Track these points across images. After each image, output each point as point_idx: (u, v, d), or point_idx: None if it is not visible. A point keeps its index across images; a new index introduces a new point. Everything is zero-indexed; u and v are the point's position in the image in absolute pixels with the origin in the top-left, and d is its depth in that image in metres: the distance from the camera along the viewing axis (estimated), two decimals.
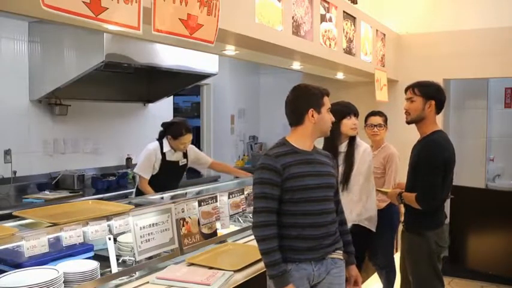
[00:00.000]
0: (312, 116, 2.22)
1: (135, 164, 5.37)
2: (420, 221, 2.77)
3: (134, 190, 4.07)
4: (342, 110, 3.02)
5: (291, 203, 2.17)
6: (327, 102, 2.29)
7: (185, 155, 4.02)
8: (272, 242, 2.11)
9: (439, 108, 2.80)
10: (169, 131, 3.87)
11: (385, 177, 3.63)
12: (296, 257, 2.18)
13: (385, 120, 3.80)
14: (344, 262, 2.34)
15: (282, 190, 2.15)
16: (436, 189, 2.67)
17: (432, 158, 2.67)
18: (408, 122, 2.85)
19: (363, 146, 3.12)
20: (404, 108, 2.83)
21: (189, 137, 3.87)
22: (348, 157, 3.05)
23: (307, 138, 2.26)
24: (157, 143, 3.89)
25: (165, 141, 3.88)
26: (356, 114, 3.10)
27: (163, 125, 3.96)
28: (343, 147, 3.07)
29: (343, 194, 2.94)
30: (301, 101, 2.25)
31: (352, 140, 3.10)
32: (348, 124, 3.04)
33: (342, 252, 2.33)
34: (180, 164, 4.00)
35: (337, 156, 2.99)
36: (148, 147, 3.88)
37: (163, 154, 3.84)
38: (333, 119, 2.32)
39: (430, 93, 2.77)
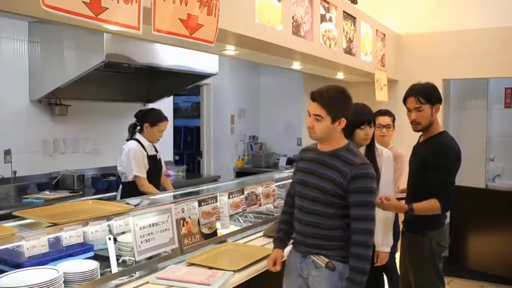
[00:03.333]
0: None
1: None
2: (423, 221, 2.75)
3: (119, 194, 3.94)
4: (354, 119, 2.68)
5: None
6: (309, 106, 2.23)
7: (155, 150, 3.98)
8: (281, 216, 2.56)
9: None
10: (147, 117, 3.83)
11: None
12: (295, 243, 2.42)
13: (394, 120, 3.69)
14: (333, 272, 2.21)
15: None
16: (452, 191, 2.68)
17: (448, 161, 2.66)
18: (419, 131, 2.82)
19: (384, 152, 2.99)
20: (413, 118, 2.76)
21: (166, 124, 3.89)
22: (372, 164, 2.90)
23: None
24: (133, 141, 3.80)
25: (139, 136, 3.83)
26: (370, 122, 2.81)
27: (139, 113, 3.91)
28: (362, 153, 2.86)
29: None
30: None
31: (370, 145, 2.89)
32: (360, 135, 2.77)
33: (327, 261, 2.22)
34: (158, 157, 3.98)
35: None
36: (131, 146, 3.76)
37: (145, 150, 3.81)
38: (307, 123, 2.25)
39: (434, 97, 2.75)
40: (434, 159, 2.67)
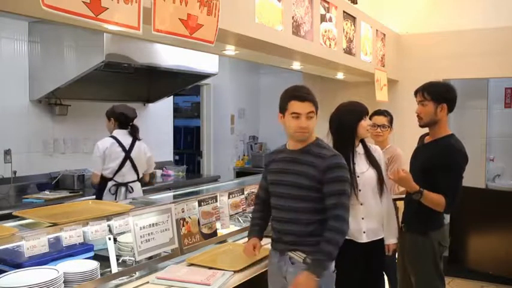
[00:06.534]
0: (281, 118, 2.34)
1: None
2: (424, 221, 2.74)
3: (140, 190, 4.10)
4: (359, 111, 2.81)
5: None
6: (292, 107, 2.24)
7: None
8: (254, 214, 2.60)
9: (450, 109, 2.78)
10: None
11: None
12: (272, 242, 2.45)
13: (390, 121, 3.68)
14: (305, 266, 2.25)
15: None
16: (459, 194, 2.66)
17: (458, 162, 2.66)
18: (422, 126, 2.82)
19: (378, 148, 2.99)
20: (416, 112, 2.77)
21: None
22: (373, 160, 2.86)
23: (288, 138, 2.40)
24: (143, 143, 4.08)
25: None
26: (368, 114, 2.90)
27: (130, 115, 4.05)
28: (361, 149, 2.88)
29: (381, 199, 2.85)
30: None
31: (363, 140, 2.91)
32: (364, 126, 2.80)
33: (304, 256, 2.27)
34: None
35: (352, 158, 2.79)
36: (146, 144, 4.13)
37: None
38: (300, 125, 2.24)
39: (441, 96, 2.73)
40: (445, 159, 2.65)
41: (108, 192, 3.87)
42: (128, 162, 3.93)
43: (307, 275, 2.16)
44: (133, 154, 3.95)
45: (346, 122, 2.80)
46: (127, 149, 3.92)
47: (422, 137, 2.97)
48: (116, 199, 3.81)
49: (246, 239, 3.08)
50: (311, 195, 2.26)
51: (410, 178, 2.67)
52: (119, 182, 3.91)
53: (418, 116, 2.79)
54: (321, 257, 2.19)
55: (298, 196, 2.29)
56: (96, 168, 3.89)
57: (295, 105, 2.24)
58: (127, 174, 3.94)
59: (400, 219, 3.03)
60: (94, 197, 3.96)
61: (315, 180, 2.25)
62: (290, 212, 2.31)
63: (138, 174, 3.99)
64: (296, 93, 2.26)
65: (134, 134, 3.99)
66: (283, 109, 2.29)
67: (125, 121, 3.97)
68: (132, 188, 3.96)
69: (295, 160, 2.33)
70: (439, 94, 2.73)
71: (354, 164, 2.78)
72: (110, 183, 3.90)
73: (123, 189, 3.91)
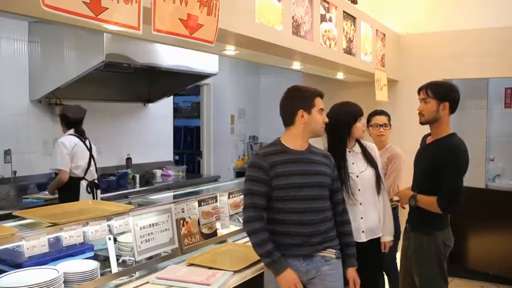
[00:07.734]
0: (302, 116, 2.30)
1: (136, 164, 5.36)
2: (430, 222, 2.75)
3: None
4: (354, 112, 2.82)
5: (278, 200, 2.27)
6: (319, 103, 2.33)
7: None
8: (261, 234, 2.22)
9: (453, 109, 2.78)
10: None
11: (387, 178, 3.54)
12: (284, 252, 2.24)
13: (389, 120, 3.71)
14: (339, 261, 2.36)
15: (271, 188, 2.25)
16: (460, 194, 2.67)
17: (458, 164, 2.67)
18: (422, 123, 2.83)
19: (373, 146, 3.00)
20: (418, 109, 2.79)
21: None
22: (371, 159, 2.87)
23: (298, 138, 2.34)
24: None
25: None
26: (362, 115, 2.91)
27: (71, 117, 4.04)
28: (358, 149, 2.88)
29: (378, 198, 2.86)
30: (292, 102, 2.34)
31: (359, 140, 2.92)
32: (359, 127, 2.82)
33: (335, 251, 2.34)
34: None
35: (345, 159, 2.79)
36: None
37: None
38: (326, 119, 2.37)
39: (444, 94, 2.74)
40: (447, 160, 2.66)
41: (84, 192, 3.89)
42: (92, 160, 4.05)
43: (354, 270, 2.41)
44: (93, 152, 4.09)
45: (342, 122, 2.79)
46: (88, 147, 4.03)
47: (424, 137, 2.98)
48: (93, 197, 3.89)
49: (246, 239, 3.08)
50: (329, 193, 2.39)
51: (404, 191, 2.92)
52: (90, 180, 3.98)
53: (419, 113, 2.81)
54: (353, 250, 2.43)
55: (323, 196, 2.35)
56: (65, 166, 3.88)
57: (320, 101, 2.35)
58: (93, 172, 4.05)
59: (405, 219, 3.03)
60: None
61: (331, 178, 2.39)
62: (320, 213, 2.32)
63: (97, 172, 4.12)
64: (318, 90, 2.36)
65: (80, 135, 4.04)
66: (308, 106, 2.30)
67: (67, 122, 4.02)
68: (99, 185, 4.07)
69: (311, 160, 2.35)
70: (442, 93, 2.75)
71: (351, 163, 2.79)
72: (84, 183, 3.94)
73: (94, 187, 3.99)
